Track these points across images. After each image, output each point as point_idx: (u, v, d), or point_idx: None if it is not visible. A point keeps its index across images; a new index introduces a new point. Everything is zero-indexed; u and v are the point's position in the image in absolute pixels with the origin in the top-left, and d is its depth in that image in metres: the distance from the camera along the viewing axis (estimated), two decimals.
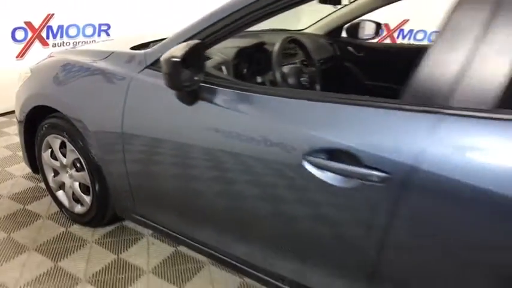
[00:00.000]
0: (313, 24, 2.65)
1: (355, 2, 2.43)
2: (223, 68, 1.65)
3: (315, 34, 2.64)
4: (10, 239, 1.95)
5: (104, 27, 4.15)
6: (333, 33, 2.64)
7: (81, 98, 1.73)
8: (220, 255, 1.52)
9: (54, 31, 3.79)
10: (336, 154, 1.07)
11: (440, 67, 0.97)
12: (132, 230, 2.06)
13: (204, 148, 1.36)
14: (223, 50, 1.73)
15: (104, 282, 1.70)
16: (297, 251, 1.29)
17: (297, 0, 1.19)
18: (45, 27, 3.72)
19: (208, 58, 1.65)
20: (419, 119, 0.98)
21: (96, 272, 1.76)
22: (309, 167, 1.11)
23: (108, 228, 2.06)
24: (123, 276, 1.75)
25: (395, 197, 1.00)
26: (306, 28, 2.69)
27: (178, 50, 1.15)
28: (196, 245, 1.58)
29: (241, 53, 1.75)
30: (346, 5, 2.39)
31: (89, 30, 4.05)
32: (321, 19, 2.60)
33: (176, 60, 1.12)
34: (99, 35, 4.15)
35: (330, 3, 1.91)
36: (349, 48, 2.54)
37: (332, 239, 1.17)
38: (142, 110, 1.50)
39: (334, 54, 2.52)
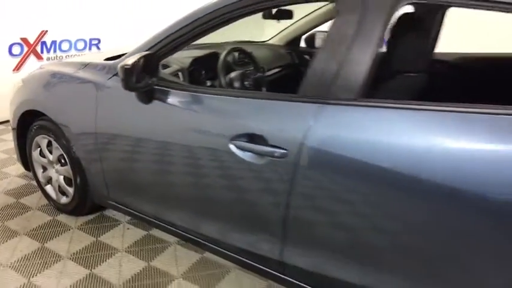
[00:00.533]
0: (275, 36, 2.98)
1: (310, 15, 2.75)
2: (180, 74, 1.97)
3: (276, 45, 2.96)
4: (4, 226, 2.25)
5: (94, 42, 4.50)
6: (292, 43, 2.96)
7: (62, 103, 2.05)
8: (180, 231, 1.81)
9: (48, 46, 4.14)
10: (252, 137, 1.37)
11: (323, 68, 1.28)
12: (110, 218, 2.36)
13: (159, 140, 1.67)
14: (182, 59, 2.05)
15: (82, 259, 1.99)
16: (235, 220, 1.58)
17: (231, 17, 1.50)
18: (40, 42, 4.07)
19: (168, 66, 1.97)
20: (307, 107, 1.28)
21: (77, 251, 2.06)
22: (234, 149, 1.41)
23: (90, 217, 2.35)
24: (100, 253, 2.04)
25: (293, 168, 1.30)
26: (269, 39, 3.01)
27: (130, 59, 1.47)
28: (159, 223, 1.87)
29: (196, 61, 2.08)
30: (299, 20, 2.71)
31: (80, 45, 4.40)
32: (281, 31, 2.93)
33: (127, 67, 1.44)
34: (90, 49, 4.49)
35: (273, 19, 2.22)
36: (306, 56, 2.86)
37: (254, 206, 1.47)
38: (110, 111, 1.82)
39: (292, 62, 2.84)
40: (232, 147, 1.41)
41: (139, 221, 2.18)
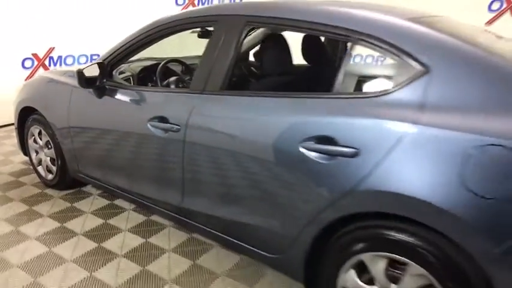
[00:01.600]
0: None
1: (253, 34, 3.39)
2: (131, 78, 2.64)
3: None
4: (4, 195, 2.93)
5: (95, 57, 5.26)
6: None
7: (47, 100, 2.74)
8: (126, 194, 2.44)
9: (55, 60, 4.92)
10: (161, 118, 2.00)
11: (202, 70, 1.91)
12: (86, 191, 3.01)
13: (107, 125, 2.33)
14: (135, 68, 2.73)
15: (58, 217, 2.64)
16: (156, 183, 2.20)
17: (162, 34, 2.15)
18: (48, 57, 4.85)
19: (124, 72, 2.64)
20: (192, 96, 1.92)
21: (55, 212, 2.71)
22: (150, 127, 2.04)
23: (70, 191, 3.01)
24: (72, 214, 2.68)
25: (183, 138, 1.92)
26: None
27: (85, 66, 2.14)
28: (111, 188, 2.51)
29: (144, 69, 2.74)
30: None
31: (82, 59, 5.17)
32: None
33: (80, 71, 2.11)
34: None
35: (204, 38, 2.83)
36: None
37: (164, 170, 2.09)
38: (77, 105, 2.49)
39: None
40: (149, 126, 2.04)
41: (102, 190, 2.83)
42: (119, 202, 2.85)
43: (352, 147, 1.42)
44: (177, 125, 1.93)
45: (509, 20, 4.43)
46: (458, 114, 1.29)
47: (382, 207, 1.38)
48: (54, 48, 4.88)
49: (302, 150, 1.53)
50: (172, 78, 2.48)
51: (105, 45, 4.82)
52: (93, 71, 2.21)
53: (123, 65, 2.67)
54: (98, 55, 5.29)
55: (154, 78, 2.54)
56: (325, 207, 1.50)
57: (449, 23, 1.72)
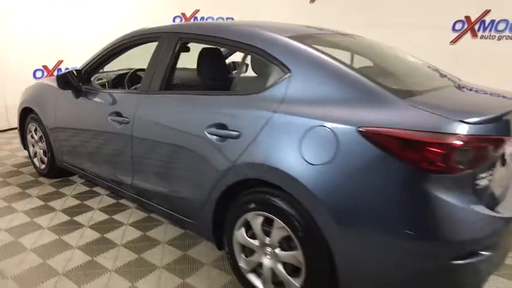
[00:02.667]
0: None
1: None
2: (106, 83, 3.19)
3: None
4: (5, 181, 3.51)
5: None
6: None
7: (40, 101, 3.32)
8: (98, 178, 2.95)
9: (62, 71, 5.58)
10: (117, 113, 2.51)
11: (148, 75, 2.42)
12: (71, 180, 3.55)
13: (82, 121, 2.86)
14: (111, 76, 3.28)
15: (44, 198, 3.17)
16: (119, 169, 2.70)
17: (124, 47, 2.70)
18: (57, 69, 5.52)
19: (101, 79, 3.20)
20: (139, 95, 2.43)
21: (43, 194, 3.25)
22: (110, 121, 2.56)
23: (58, 179, 3.56)
24: (56, 196, 3.21)
25: (131, 129, 2.42)
26: None
27: (65, 72, 2.69)
28: (88, 174, 3.03)
29: (117, 77, 3.29)
30: None
31: None
32: None
33: (59, 75, 2.67)
34: None
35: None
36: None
37: (120, 155, 2.59)
38: (61, 104, 3.05)
39: None
40: (109, 119, 2.56)
41: (84, 178, 3.36)
42: (97, 189, 3.36)
43: (236, 131, 1.88)
44: (127, 118, 2.44)
45: (469, 40, 4.80)
46: (304, 105, 1.74)
47: (254, 175, 1.83)
48: (62, 61, 5.55)
49: (206, 134, 2.00)
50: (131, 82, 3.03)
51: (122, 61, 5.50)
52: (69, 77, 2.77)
53: (103, 74, 3.23)
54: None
55: (124, 83, 3.09)
56: (220, 177, 1.96)
57: (330, 39, 2.21)
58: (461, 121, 1.47)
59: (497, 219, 1.59)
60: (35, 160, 3.66)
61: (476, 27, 4.72)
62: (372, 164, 1.52)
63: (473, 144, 1.46)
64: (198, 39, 2.31)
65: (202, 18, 6.40)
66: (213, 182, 2.01)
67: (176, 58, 2.37)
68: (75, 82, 2.79)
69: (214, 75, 2.46)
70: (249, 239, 1.96)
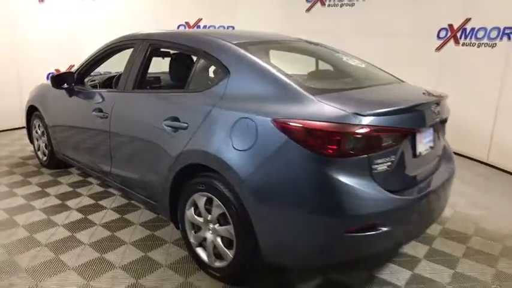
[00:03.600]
0: None
1: None
2: (98, 84, 3.57)
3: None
4: (10, 170, 3.95)
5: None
6: None
7: (42, 100, 3.75)
8: (85, 168, 3.33)
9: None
10: (99, 109, 2.88)
11: (124, 76, 2.78)
12: (69, 171, 3.95)
13: (76, 118, 3.25)
14: (103, 78, 3.67)
15: (42, 185, 3.58)
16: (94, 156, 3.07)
17: (108, 53, 3.08)
18: None
19: (94, 81, 3.59)
20: (116, 93, 2.79)
21: (41, 181, 3.66)
22: (94, 115, 2.92)
23: (58, 170, 3.97)
24: (52, 184, 3.61)
25: (109, 122, 2.78)
26: None
27: (58, 73, 3.09)
28: (79, 164, 3.41)
29: (108, 79, 3.67)
30: None
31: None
32: None
33: (52, 76, 3.07)
34: None
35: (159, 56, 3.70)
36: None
37: (101, 145, 2.95)
38: (57, 102, 3.46)
39: None
40: (93, 114, 2.93)
41: (74, 165, 3.76)
42: (90, 179, 3.75)
43: (185, 123, 2.20)
44: (106, 113, 2.81)
45: (453, 48, 4.97)
46: (237, 101, 2.05)
47: (197, 160, 2.14)
48: (73, 65, 6.02)
49: (164, 126, 2.33)
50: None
51: (117, 64, 5.96)
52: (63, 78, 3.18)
53: (96, 76, 3.64)
54: (110, 72, 6.43)
55: (111, 84, 3.47)
56: (173, 163, 2.27)
57: (283, 45, 2.54)
58: (355, 113, 1.74)
59: (394, 199, 1.83)
60: (39, 153, 4.09)
61: (459, 34, 4.89)
62: (282, 149, 1.80)
63: (365, 133, 1.72)
64: (163, 45, 2.66)
65: (204, 26, 6.79)
66: (168, 167, 2.32)
67: (148, 61, 2.71)
68: (68, 83, 3.19)
69: (175, 76, 2.78)
70: (196, 216, 2.26)
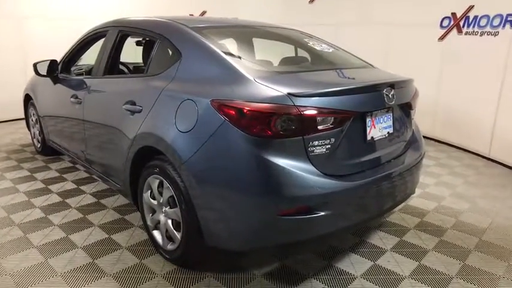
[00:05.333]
0: None
1: None
2: (84, 72, 3.66)
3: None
4: (7, 156, 4.12)
5: None
6: None
7: (34, 89, 3.88)
8: (67, 152, 3.43)
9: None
10: (75, 96, 2.96)
11: (96, 62, 2.83)
12: (61, 158, 4.08)
13: (59, 104, 3.34)
14: (89, 66, 3.75)
15: (32, 170, 3.71)
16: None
17: (88, 41, 3.15)
18: None
19: (81, 69, 3.68)
20: (90, 79, 2.86)
21: (33, 167, 3.80)
22: (71, 101, 3.01)
23: (52, 157, 4.10)
24: (42, 169, 3.74)
25: (83, 107, 2.85)
26: None
27: (41, 60, 3.19)
28: (62, 149, 3.52)
29: (92, 67, 3.76)
30: None
31: None
32: None
33: (35, 64, 3.17)
34: None
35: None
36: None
37: (77, 132, 3.02)
38: (45, 90, 3.57)
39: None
40: (71, 100, 3.01)
41: (61, 152, 3.87)
42: (79, 166, 3.86)
43: (140, 106, 2.23)
44: (80, 99, 2.87)
45: (456, 37, 4.75)
46: (185, 83, 2.05)
47: (148, 143, 2.15)
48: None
49: (123, 109, 2.36)
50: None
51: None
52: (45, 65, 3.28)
53: (84, 65, 3.74)
54: None
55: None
56: (130, 145, 2.30)
57: (251, 30, 2.57)
58: (290, 94, 1.70)
59: (333, 184, 1.78)
60: (34, 140, 4.25)
61: (462, 23, 4.68)
62: (218, 131, 1.78)
63: (297, 114, 1.68)
64: (131, 32, 2.69)
65: None
66: (126, 151, 2.36)
67: (118, 48, 2.75)
68: (52, 70, 3.28)
69: (143, 61, 2.77)
70: (151, 199, 2.29)
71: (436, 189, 3.51)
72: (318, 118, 1.73)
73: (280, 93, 1.71)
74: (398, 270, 2.25)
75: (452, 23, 4.80)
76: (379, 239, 2.60)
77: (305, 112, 1.69)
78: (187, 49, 2.14)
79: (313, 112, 1.71)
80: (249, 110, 1.70)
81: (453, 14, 4.77)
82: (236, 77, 1.88)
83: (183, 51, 2.14)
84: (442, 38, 4.94)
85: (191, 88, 1.97)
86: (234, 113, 1.74)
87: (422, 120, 2.62)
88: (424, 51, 5.12)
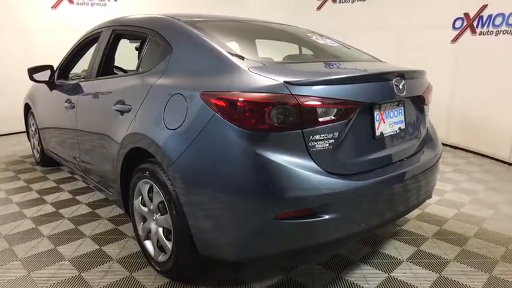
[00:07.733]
0: None
1: None
2: (82, 77, 3.55)
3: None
4: (6, 167, 4.01)
5: None
6: None
7: (33, 98, 3.79)
8: (63, 161, 3.29)
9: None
10: (68, 100, 2.83)
11: (91, 64, 2.71)
12: (60, 169, 3.96)
13: (56, 111, 3.23)
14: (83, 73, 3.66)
15: (28, 181, 3.59)
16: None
17: (83, 45, 3.05)
18: None
19: (78, 75, 3.57)
20: (84, 83, 2.72)
21: (30, 178, 3.67)
22: (64, 106, 2.88)
23: (51, 167, 3.98)
24: (40, 180, 3.61)
25: (75, 111, 2.71)
26: None
27: (36, 66, 3.09)
28: (58, 157, 3.38)
29: None
30: None
31: None
32: None
33: (29, 69, 3.06)
34: None
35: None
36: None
37: (72, 137, 2.89)
38: (42, 97, 3.46)
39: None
40: (65, 105, 2.89)
41: (59, 161, 3.74)
42: (77, 176, 3.72)
43: (129, 105, 2.07)
44: (73, 103, 2.74)
45: (469, 38, 4.53)
46: (175, 77, 1.88)
47: (137, 144, 1.99)
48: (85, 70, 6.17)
49: (113, 110, 2.21)
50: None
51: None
52: (43, 71, 3.17)
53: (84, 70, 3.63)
54: None
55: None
56: (120, 147, 2.14)
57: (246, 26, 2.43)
58: (286, 82, 1.52)
59: (339, 183, 1.57)
60: (34, 151, 4.14)
61: (475, 23, 4.47)
62: (208, 125, 1.61)
63: (295, 104, 1.50)
64: (124, 31, 2.56)
65: None
66: (116, 154, 2.20)
67: (111, 48, 2.62)
68: (47, 76, 3.18)
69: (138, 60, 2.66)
70: (142, 206, 2.10)
71: (454, 195, 3.25)
72: (319, 109, 1.54)
73: (275, 82, 1.53)
74: (416, 283, 2.01)
75: (465, 23, 4.60)
76: (394, 248, 2.36)
77: (304, 102, 1.51)
78: (178, 42, 1.99)
79: (312, 102, 1.52)
80: (240, 101, 1.53)
81: (466, 14, 4.57)
82: (229, 67, 1.71)
83: (174, 45, 1.99)
84: (455, 39, 4.74)
85: (181, 82, 1.81)
86: (224, 104, 1.56)
87: (436, 126, 2.41)
88: (436, 54, 4.90)
